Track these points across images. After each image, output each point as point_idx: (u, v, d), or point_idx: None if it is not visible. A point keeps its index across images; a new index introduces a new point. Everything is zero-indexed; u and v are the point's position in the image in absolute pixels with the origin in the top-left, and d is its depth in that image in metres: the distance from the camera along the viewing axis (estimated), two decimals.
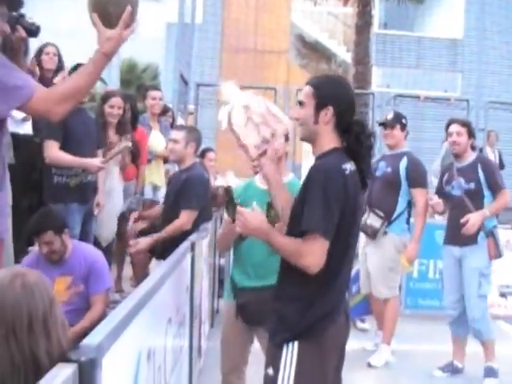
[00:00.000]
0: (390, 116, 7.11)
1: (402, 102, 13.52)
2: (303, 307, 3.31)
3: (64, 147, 6.20)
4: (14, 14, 4.25)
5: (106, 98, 7.24)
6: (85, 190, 6.34)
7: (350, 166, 3.28)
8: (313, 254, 3.18)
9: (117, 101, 7.21)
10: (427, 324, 8.51)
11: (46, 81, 7.19)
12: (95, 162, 6.24)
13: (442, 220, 10.99)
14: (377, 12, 21.24)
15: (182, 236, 5.53)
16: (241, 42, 19.30)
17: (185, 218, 6.01)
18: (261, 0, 20.26)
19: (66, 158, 6.17)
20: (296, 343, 3.27)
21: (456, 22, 24.04)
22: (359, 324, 8.20)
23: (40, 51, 7.35)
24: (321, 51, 25.40)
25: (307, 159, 12.12)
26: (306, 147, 12.29)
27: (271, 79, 17.59)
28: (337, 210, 3.17)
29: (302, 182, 3.44)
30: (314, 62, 25.76)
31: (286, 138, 4.64)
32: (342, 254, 3.31)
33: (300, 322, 3.29)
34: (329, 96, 3.34)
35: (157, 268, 4.88)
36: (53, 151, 6.14)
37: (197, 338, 5.58)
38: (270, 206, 3.80)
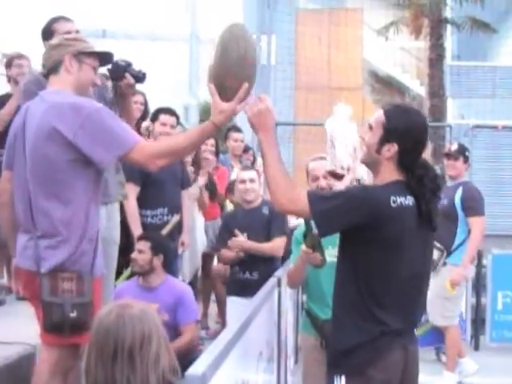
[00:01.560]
0: (455, 147, 7.26)
1: (479, 133, 13.43)
2: (348, 340, 3.27)
3: (147, 188, 6.40)
4: (123, 63, 4.61)
5: None
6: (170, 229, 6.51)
7: (402, 200, 3.19)
8: (293, 201, 3.26)
9: None
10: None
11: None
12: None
13: None
14: (449, 44, 21.16)
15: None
16: (315, 79, 19.47)
17: (279, 243, 6.16)
18: (333, 38, 20.44)
19: (132, 212, 6.25)
20: (343, 377, 3.25)
21: None
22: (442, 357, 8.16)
23: None
24: (394, 86, 25.36)
25: None
26: None
27: None
28: (347, 215, 3.18)
29: None
30: (387, 96, 25.70)
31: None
32: (383, 285, 3.25)
33: (345, 356, 3.27)
34: (396, 132, 3.24)
35: (246, 305, 5.01)
36: (130, 197, 6.22)
37: (283, 373, 5.67)
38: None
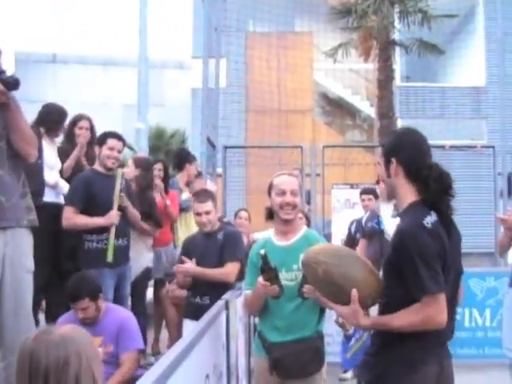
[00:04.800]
0: None
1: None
2: (381, 351, 3.41)
3: (92, 212, 6.37)
4: None
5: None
6: (116, 254, 6.45)
7: (430, 219, 3.32)
8: (441, 311, 3.23)
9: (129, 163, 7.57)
10: (465, 373, 8.40)
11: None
12: (108, 219, 6.37)
13: (474, 268, 10.98)
14: (398, 66, 21.45)
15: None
16: (265, 103, 19.55)
17: (231, 268, 6.10)
18: (283, 61, 20.58)
19: (81, 220, 6.33)
20: None
21: (477, 69, 24.21)
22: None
23: (73, 123, 7.54)
24: (345, 108, 25.63)
25: (336, 214, 12.21)
26: (335, 204, 12.39)
27: (297, 138, 17.76)
28: (437, 263, 3.24)
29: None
30: (338, 118, 25.98)
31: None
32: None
33: (376, 367, 3.41)
34: (390, 150, 3.53)
35: (192, 327, 4.97)
36: (67, 215, 6.32)
37: None
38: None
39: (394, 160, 3.47)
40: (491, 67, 22.81)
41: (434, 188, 3.36)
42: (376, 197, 9.25)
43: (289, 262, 4.54)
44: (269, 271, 4.31)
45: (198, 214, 6.24)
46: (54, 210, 6.49)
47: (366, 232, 8.91)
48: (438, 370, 3.38)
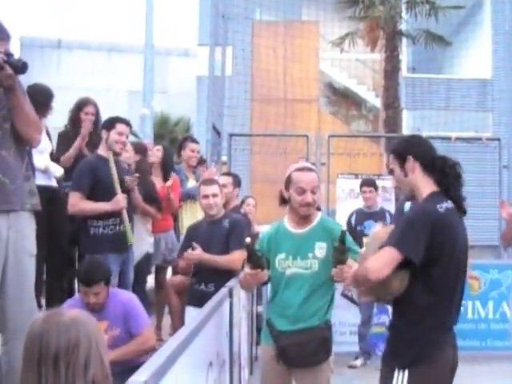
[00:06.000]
0: None
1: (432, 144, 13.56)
2: (408, 335, 3.57)
3: (98, 198, 6.32)
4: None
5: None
6: (121, 240, 6.40)
7: (446, 205, 3.56)
8: (377, 259, 3.48)
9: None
10: (468, 365, 8.40)
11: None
12: (116, 204, 6.30)
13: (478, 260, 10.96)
14: (404, 57, 21.36)
15: None
16: (271, 91, 19.50)
17: (238, 256, 6.05)
18: (289, 50, 20.51)
19: (88, 205, 6.26)
20: (406, 372, 3.51)
21: (484, 62, 24.13)
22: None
23: (79, 108, 7.47)
24: (350, 98, 25.57)
25: (341, 204, 12.19)
26: (340, 193, 12.37)
27: (302, 127, 17.70)
28: (422, 235, 3.44)
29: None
30: (344, 108, 25.94)
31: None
32: (440, 284, 3.52)
33: (407, 351, 3.54)
34: (405, 149, 3.77)
35: (196, 314, 4.96)
36: (73, 201, 6.25)
37: (237, 383, 5.62)
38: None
39: (410, 157, 3.69)
40: (498, 60, 22.73)
41: (452, 174, 3.62)
42: (376, 189, 9.20)
43: (304, 249, 4.50)
44: (256, 259, 4.29)
45: (205, 197, 6.19)
46: (46, 193, 6.46)
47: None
48: (453, 351, 3.63)
